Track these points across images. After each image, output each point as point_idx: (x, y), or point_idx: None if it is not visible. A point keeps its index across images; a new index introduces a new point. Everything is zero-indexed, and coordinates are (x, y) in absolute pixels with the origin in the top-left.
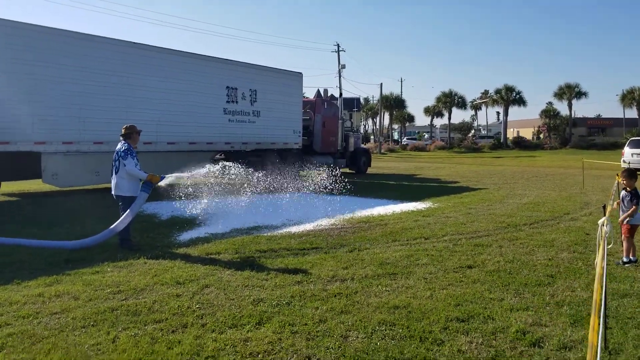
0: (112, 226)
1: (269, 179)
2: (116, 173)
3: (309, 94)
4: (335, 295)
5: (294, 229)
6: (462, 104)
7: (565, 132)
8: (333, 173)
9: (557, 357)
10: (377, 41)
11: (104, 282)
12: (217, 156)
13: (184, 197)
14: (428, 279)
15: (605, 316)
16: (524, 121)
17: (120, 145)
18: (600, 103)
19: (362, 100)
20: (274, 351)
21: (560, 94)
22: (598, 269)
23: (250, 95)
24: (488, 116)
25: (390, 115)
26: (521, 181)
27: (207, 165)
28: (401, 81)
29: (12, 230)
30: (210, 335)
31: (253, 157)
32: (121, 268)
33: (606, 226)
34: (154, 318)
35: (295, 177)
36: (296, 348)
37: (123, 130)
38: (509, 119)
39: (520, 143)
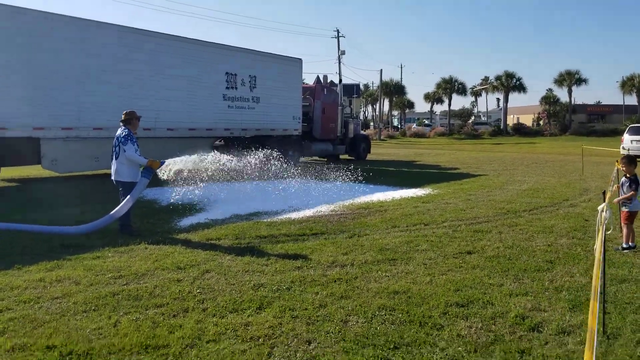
0: (112, 212)
1: (268, 165)
2: (116, 159)
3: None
4: (335, 281)
5: (294, 215)
6: (462, 90)
7: (565, 119)
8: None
9: (555, 341)
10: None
11: (104, 267)
12: (217, 142)
13: (184, 183)
14: (428, 264)
15: (604, 301)
16: (524, 108)
17: (120, 131)
18: (600, 90)
19: (361, 87)
20: (275, 335)
21: (560, 80)
22: (597, 255)
23: (249, 81)
24: (488, 103)
25: (390, 101)
26: (521, 168)
27: (207, 152)
28: (401, 67)
29: (12, 215)
30: (211, 319)
31: (253, 143)
32: (122, 253)
33: (605, 212)
34: (155, 303)
35: (295, 164)
36: (296, 332)
37: (123, 116)
38: (509, 105)
39: (520, 130)
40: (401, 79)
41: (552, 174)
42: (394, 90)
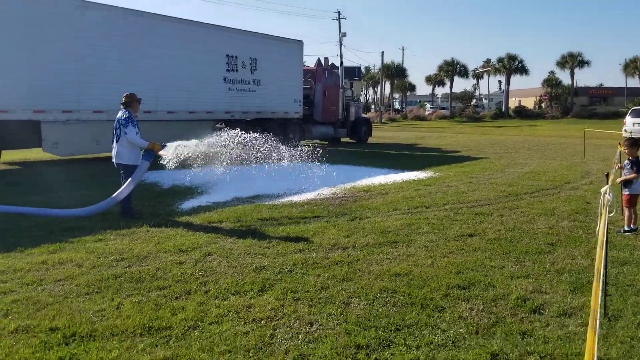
0: (113, 195)
1: (269, 148)
2: (117, 141)
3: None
4: (337, 263)
5: (295, 198)
6: (464, 72)
7: (566, 102)
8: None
9: (557, 323)
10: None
11: (106, 249)
12: (218, 125)
13: (186, 166)
14: (429, 247)
15: (605, 283)
16: (525, 90)
17: (120, 114)
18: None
19: (363, 69)
20: (277, 317)
21: (562, 62)
22: (600, 237)
23: (250, 64)
24: (490, 85)
25: (392, 84)
26: (522, 150)
27: (209, 135)
28: (403, 50)
29: (14, 199)
30: (213, 301)
31: (253, 126)
32: (124, 236)
33: (608, 194)
34: (158, 285)
35: (296, 146)
36: (299, 314)
37: (123, 99)
38: (510, 88)
39: (521, 112)
40: (402, 61)
41: (553, 156)
42: (396, 73)
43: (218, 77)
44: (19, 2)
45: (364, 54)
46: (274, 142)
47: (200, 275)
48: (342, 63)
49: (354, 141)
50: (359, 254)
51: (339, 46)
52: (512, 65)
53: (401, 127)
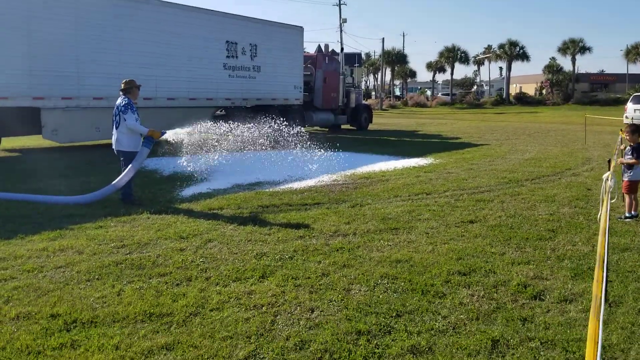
0: (114, 182)
1: (269, 135)
2: (116, 128)
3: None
4: (338, 250)
5: (296, 185)
6: (465, 59)
7: (567, 88)
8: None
9: (557, 309)
10: None
11: (107, 236)
12: (218, 112)
13: (185, 153)
14: (430, 233)
15: (606, 269)
16: (526, 77)
17: (120, 100)
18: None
19: (363, 56)
20: (278, 303)
21: (564, 48)
22: (602, 223)
23: (250, 50)
24: (491, 72)
25: (392, 70)
26: (523, 137)
27: (208, 121)
28: (403, 36)
29: (14, 186)
30: (214, 288)
31: (253, 113)
32: (124, 223)
33: (610, 180)
34: (159, 272)
35: (297, 133)
36: (299, 301)
37: (122, 85)
38: (511, 74)
39: (522, 99)
40: (403, 47)
41: (554, 143)
42: (396, 60)
43: (218, 63)
44: None
45: (364, 41)
46: (275, 128)
47: (201, 262)
48: (342, 49)
49: (355, 128)
50: (360, 241)
51: (339, 32)
52: (513, 52)
53: (402, 113)
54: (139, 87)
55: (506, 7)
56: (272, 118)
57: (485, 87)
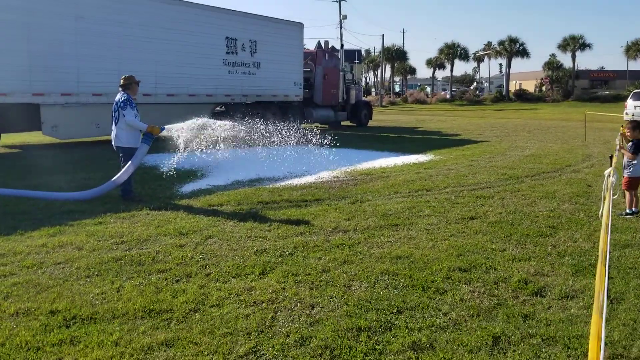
0: (113, 178)
1: (269, 131)
2: (116, 124)
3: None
4: (338, 246)
5: (296, 181)
6: (464, 55)
7: (567, 85)
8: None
9: (559, 306)
10: None
11: (107, 232)
12: (218, 108)
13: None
14: (430, 230)
15: (607, 266)
16: (526, 73)
17: (119, 96)
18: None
19: (363, 52)
20: (278, 300)
21: (564, 45)
22: (604, 219)
23: (250, 46)
24: (491, 68)
25: (392, 67)
26: (523, 134)
27: (208, 118)
28: (403, 32)
29: (14, 182)
30: (214, 284)
31: (253, 109)
32: (124, 219)
33: (612, 176)
34: (158, 268)
35: (297, 130)
36: (300, 297)
37: (122, 81)
38: (511, 71)
39: (522, 95)
40: (403, 44)
41: (554, 140)
42: (396, 56)
43: (218, 59)
44: None
45: (364, 37)
46: (275, 125)
47: (201, 258)
48: (342, 46)
49: (355, 124)
50: (360, 237)
51: (339, 29)
52: (513, 48)
53: (401, 110)
54: (138, 83)
55: (506, 4)
56: (273, 114)
57: (485, 84)
